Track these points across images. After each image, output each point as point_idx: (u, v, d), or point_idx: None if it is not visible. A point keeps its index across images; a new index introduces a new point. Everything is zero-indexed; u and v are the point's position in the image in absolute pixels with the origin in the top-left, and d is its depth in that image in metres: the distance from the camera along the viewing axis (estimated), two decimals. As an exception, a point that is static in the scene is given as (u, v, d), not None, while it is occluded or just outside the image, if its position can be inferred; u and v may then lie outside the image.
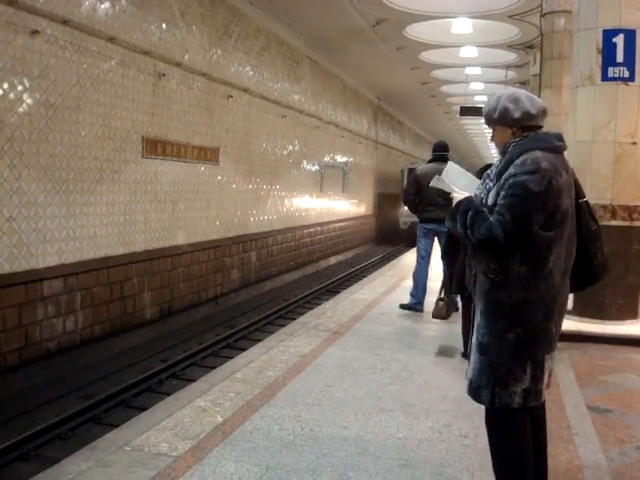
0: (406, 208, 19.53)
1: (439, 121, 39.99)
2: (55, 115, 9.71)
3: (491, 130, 3.29)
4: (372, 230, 32.04)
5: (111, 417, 8.11)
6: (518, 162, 3.00)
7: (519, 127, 3.14)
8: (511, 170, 3.00)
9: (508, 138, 3.17)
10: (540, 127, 3.18)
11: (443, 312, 7.30)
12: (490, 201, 3.03)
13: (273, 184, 18.42)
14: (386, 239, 31.07)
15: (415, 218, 19.06)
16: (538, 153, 3.00)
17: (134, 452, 4.05)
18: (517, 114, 3.12)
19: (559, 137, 3.14)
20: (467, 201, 3.13)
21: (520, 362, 3.04)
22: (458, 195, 3.20)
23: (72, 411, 7.95)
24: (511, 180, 2.96)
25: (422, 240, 8.76)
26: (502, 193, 2.98)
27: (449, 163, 3.53)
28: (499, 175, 3.07)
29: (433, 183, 3.39)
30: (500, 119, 3.18)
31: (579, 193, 3.22)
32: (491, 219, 2.95)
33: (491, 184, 3.09)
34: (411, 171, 18.43)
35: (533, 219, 2.92)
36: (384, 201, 32.65)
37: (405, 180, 22.55)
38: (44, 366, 9.45)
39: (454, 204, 3.18)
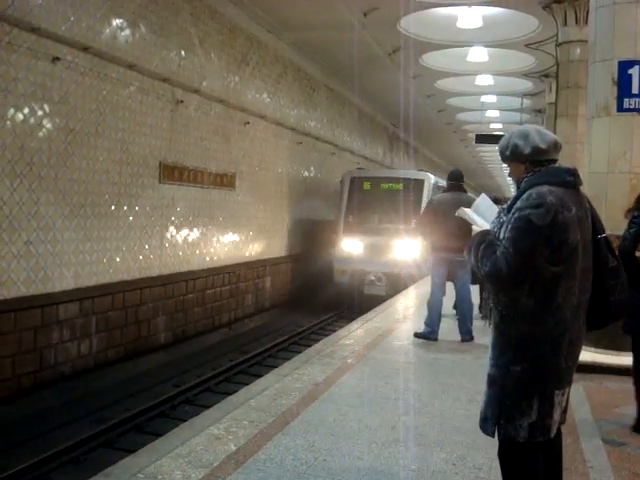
0: (344, 246, 17.61)
1: (455, 148, 40.04)
2: (74, 140, 9.84)
3: (507, 167, 3.32)
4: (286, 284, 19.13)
5: (124, 442, 8.11)
6: (525, 196, 3.02)
7: (531, 162, 3.16)
8: (517, 204, 3.03)
9: (522, 173, 3.19)
10: (554, 161, 3.19)
11: None
12: (502, 235, 3.05)
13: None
14: (309, 299, 18.46)
15: (373, 267, 16.77)
16: (545, 187, 3.01)
17: (147, 479, 4.05)
18: (527, 150, 3.14)
19: (571, 172, 3.14)
20: (482, 234, 3.15)
21: (526, 396, 3.02)
22: (477, 228, 3.22)
23: (85, 435, 7.96)
24: (517, 214, 2.99)
25: (436, 269, 8.73)
26: (508, 227, 3.01)
27: (482, 196, 3.56)
28: (509, 209, 3.10)
29: (458, 213, 3.43)
30: (512, 156, 3.21)
31: (598, 228, 3.22)
32: (497, 252, 2.98)
33: (504, 218, 3.11)
34: (353, 180, 18.41)
35: (536, 252, 2.93)
36: (312, 233, 20.49)
37: (345, 195, 18.34)
38: (58, 389, 9.49)
39: (472, 236, 3.20)
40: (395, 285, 16.47)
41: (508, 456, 3.13)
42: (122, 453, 6.70)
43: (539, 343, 3.00)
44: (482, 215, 3.30)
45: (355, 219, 17.98)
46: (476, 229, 3.21)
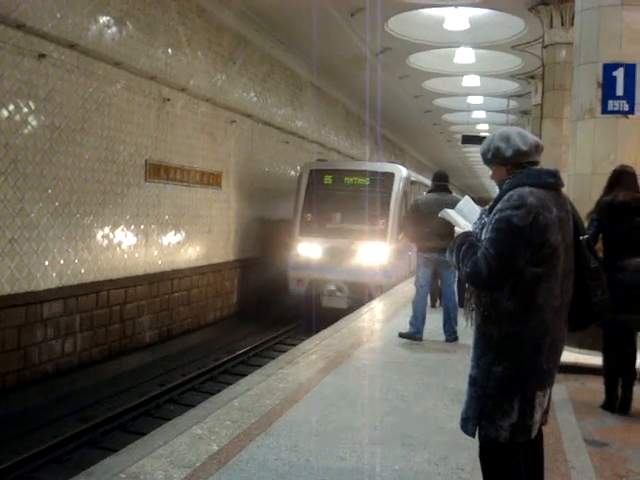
0: (301, 250, 15.00)
1: (441, 149, 40.16)
2: (60, 138, 9.79)
3: (490, 169, 3.34)
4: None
5: (108, 441, 8.10)
6: (505, 197, 3.05)
7: (512, 164, 3.18)
8: (498, 205, 3.05)
9: (503, 175, 3.22)
10: (536, 163, 3.21)
11: None
12: (483, 236, 3.08)
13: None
14: (262, 311, 16.56)
15: (334, 275, 14.72)
16: (526, 189, 3.03)
17: (130, 479, 4.05)
18: (509, 152, 3.16)
19: (552, 173, 3.17)
20: (463, 235, 3.17)
21: (507, 397, 3.04)
22: (459, 229, 3.24)
23: (69, 434, 7.94)
24: (497, 215, 3.02)
25: (421, 269, 8.76)
26: (489, 228, 3.03)
27: (465, 197, 3.58)
28: (490, 210, 3.13)
29: (441, 214, 3.44)
30: (494, 158, 3.23)
31: (579, 230, 3.25)
32: (477, 253, 3.00)
33: (486, 219, 3.14)
34: (312, 173, 15.84)
35: (517, 254, 2.95)
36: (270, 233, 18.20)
37: (302, 191, 15.75)
38: (42, 388, 9.44)
39: (454, 238, 3.22)
40: (359, 296, 14.23)
41: (489, 456, 3.14)
42: (106, 452, 6.68)
43: (520, 344, 3.02)
44: (465, 216, 3.32)
45: (314, 218, 15.47)
46: (458, 230, 3.23)
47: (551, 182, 3.13)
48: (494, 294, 3.04)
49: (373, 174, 15.71)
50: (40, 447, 7.45)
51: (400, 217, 14.57)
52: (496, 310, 3.04)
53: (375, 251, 14.68)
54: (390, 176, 15.62)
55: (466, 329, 8.28)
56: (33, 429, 8.28)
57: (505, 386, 3.04)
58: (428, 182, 20.68)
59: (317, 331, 9.27)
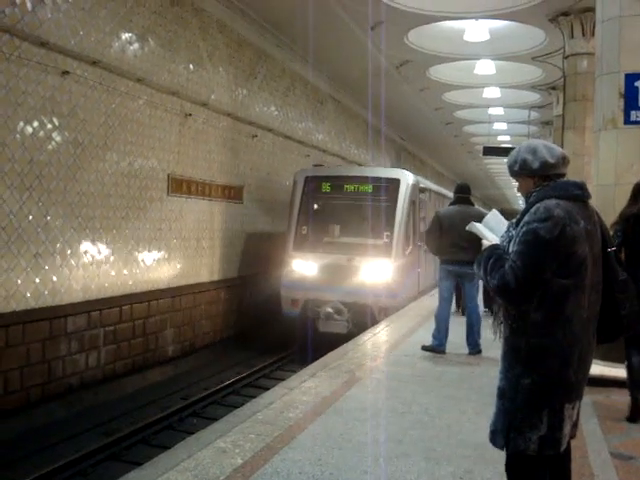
0: (295, 267, 13.26)
1: (462, 160, 40.08)
2: (83, 153, 9.90)
3: (516, 182, 3.35)
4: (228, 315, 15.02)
5: (131, 455, 8.12)
6: (532, 210, 3.05)
7: (539, 176, 3.18)
8: (525, 218, 3.06)
9: (530, 188, 3.21)
10: (562, 175, 3.21)
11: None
12: (511, 249, 3.08)
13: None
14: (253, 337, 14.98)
15: (332, 295, 12.82)
16: (553, 201, 3.03)
17: (154, 493, 4.05)
18: (536, 164, 3.17)
19: (579, 185, 3.16)
20: (491, 248, 3.17)
21: (536, 409, 3.03)
22: (487, 242, 3.24)
23: (93, 447, 7.97)
24: (524, 228, 3.02)
25: (444, 281, 8.72)
26: (516, 240, 3.04)
27: (492, 211, 3.60)
28: (518, 223, 3.13)
29: (468, 227, 3.46)
30: (521, 170, 3.24)
31: (607, 242, 3.23)
32: (505, 266, 3.00)
33: (513, 232, 3.13)
34: (308, 181, 14.14)
35: (544, 266, 2.95)
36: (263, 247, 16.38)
37: (297, 200, 14.10)
38: (66, 402, 9.50)
39: (482, 251, 3.23)
40: (360, 319, 12.68)
41: (515, 470, 3.13)
42: (129, 466, 6.69)
43: (549, 356, 3.02)
44: (492, 229, 3.34)
45: (309, 232, 13.90)
46: (486, 243, 3.24)
47: (578, 194, 3.13)
48: (522, 306, 3.03)
49: (376, 180, 14.02)
50: (64, 460, 7.50)
51: (407, 229, 13.59)
52: (524, 322, 3.04)
53: (378, 268, 13.01)
54: (395, 183, 13.89)
55: (490, 341, 8.22)
56: (57, 442, 8.33)
57: (533, 399, 3.03)
58: (441, 190, 19.97)
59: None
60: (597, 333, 3.19)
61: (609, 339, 3.30)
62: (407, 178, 14.13)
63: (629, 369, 5.97)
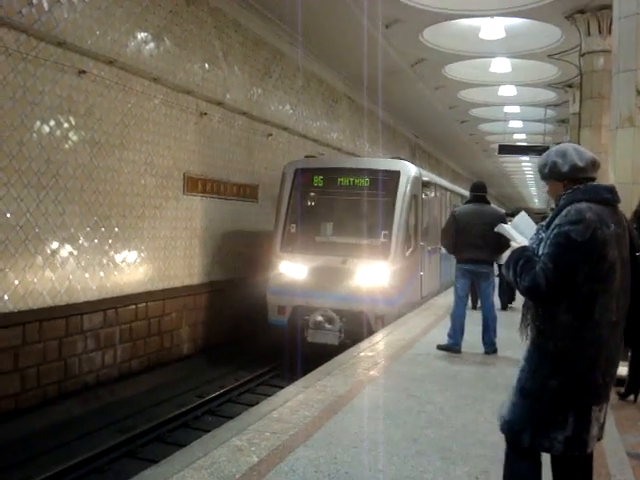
0: (283, 270, 12.01)
1: (477, 159, 39.95)
2: (99, 152, 9.95)
3: (546, 185, 3.37)
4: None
5: (147, 452, 8.16)
6: (563, 213, 3.07)
7: (569, 180, 3.20)
8: (556, 221, 3.07)
9: (560, 191, 3.23)
10: (592, 179, 3.23)
11: None
12: (541, 251, 3.09)
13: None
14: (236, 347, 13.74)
15: (324, 301, 11.53)
16: (584, 204, 3.05)
17: (170, 490, 4.07)
18: (565, 168, 3.19)
19: (609, 189, 3.18)
20: (520, 250, 3.19)
21: (562, 410, 3.05)
22: (515, 244, 3.25)
23: (109, 445, 8.01)
24: (556, 230, 3.03)
25: (460, 280, 8.69)
26: (547, 243, 3.05)
27: (521, 213, 3.60)
28: (548, 226, 3.14)
29: (497, 229, 3.48)
30: (550, 174, 3.26)
31: (635, 246, 3.24)
32: (536, 268, 3.00)
33: (543, 235, 3.14)
34: (299, 174, 12.82)
35: (576, 268, 2.97)
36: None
37: (286, 196, 12.77)
38: (82, 399, 9.55)
39: (510, 253, 3.24)
40: (355, 329, 11.39)
41: (512, 465, 3.24)
42: (145, 463, 6.74)
43: (576, 358, 3.04)
44: (521, 232, 3.36)
45: (299, 230, 12.62)
46: (514, 245, 3.25)
47: (608, 198, 3.14)
48: (551, 308, 3.05)
49: (373, 173, 12.61)
50: (80, 457, 7.54)
51: (408, 227, 12.33)
52: (552, 324, 3.06)
53: (375, 272, 11.70)
54: (394, 175, 12.49)
55: (506, 340, 8.19)
56: (73, 439, 8.38)
57: (560, 400, 3.05)
58: (449, 184, 19.05)
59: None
60: (625, 335, 3.20)
61: (636, 342, 3.32)
62: (408, 170, 12.74)
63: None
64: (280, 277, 12.21)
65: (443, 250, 15.01)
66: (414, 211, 12.78)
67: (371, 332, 10.57)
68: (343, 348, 9.39)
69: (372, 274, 11.68)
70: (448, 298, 11.03)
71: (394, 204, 12.19)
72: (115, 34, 10.21)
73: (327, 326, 11.68)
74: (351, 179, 12.63)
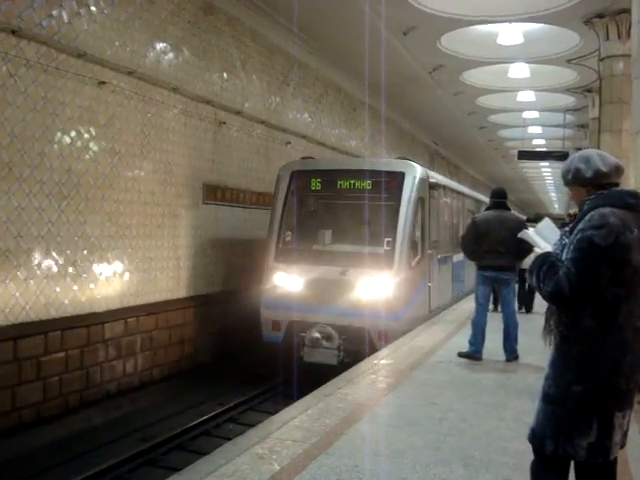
0: (277, 281, 11.01)
1: (497, 165, 39.79)
2: (120, 162, 10.03)
3: (570, 191, 3.39)
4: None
5: (169, 460, 8.17)
6: (587, 218, 3.07)
7: (593, 185, 3.20)
8: (580, 226, 3.07)
9: (584, 196, 3.23)
10: (616, 184, 3.23)
11: None
12: (564, 256, 3.09)
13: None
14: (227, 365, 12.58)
15: (322, 316, 10.58)
16: (607, 209, 3.04)
17: (193, 499, 4.08)
18: (589, 173, 3.19)
19: (633, 195, 3.18)
20: (544, 256, 3.18)
21: (586, 416, 3.04)
22: (539, 250, 3.24)
23: (130, 453, 8.04)
24: (579, 235, 3.03)
25: (480, 287, 8.65)
26: (571, 248, 3.05)
27: (545, 219, 3.60)
28: (571, 231, 3.14)
29: (520, 235, 3.48)
30: (574, 179, 3.27)
31: None
32: (559, 273, 3.00)
33: (566, 240, 3.14)
34: (295, 177, 11.84)
35: (599, 273, 2.96)
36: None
37: (280, 200, 11.79)
38: (104, 408, 9.60)
39: (533, 259, 3.24)
40: (355, 347, 10.45)
41: (537, 470, 3.21)
42: (167, 472, 6.75)
43: (600, 364, 3.03)
44: (544, 238, 3.35)
45: (295, 238, 11.65)
46: (538, 251, 3.24)
47: (632, 203, 3.13)
48: (575, 314, 3.04)
49: (375, 175, 11.48)
50: (102, 466, 7.57)
51: (413, 234, 11.31)
52: (576, 329, 3.06)
53: (377, 283, 10.69)
54: (398, 177, 11.40)
55: (527, 347, 8.12)
56: (95, 448, 8.41)
57: (584, 406, 3.04)
58: (462, 187, 18.51)
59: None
60: None
61: None
62: (414, 171, 11.60)
63: None
64: (274, 290, 11.23)
65: (455, 259, 14.65)
66: (421, 216, 11.78)
67: (374, 350, 9.72)
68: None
69: (374, 286, 10.72)
70: (469, 305, 10.94)
71: (398, 209, 11.15)
72: (134, 45, 10.30)
73: (325, 344, 10.72)
74: (351, 182, 11.56)
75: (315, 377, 8.32)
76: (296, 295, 10.97)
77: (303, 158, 13.02)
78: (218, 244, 12.83)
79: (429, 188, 12.23)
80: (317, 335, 10.71)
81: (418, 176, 11.57)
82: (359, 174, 11.59)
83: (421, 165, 12.37)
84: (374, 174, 11.50)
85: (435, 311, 12.65)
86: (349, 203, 11.70)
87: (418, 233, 11.65)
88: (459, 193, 16.83)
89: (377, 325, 10.55)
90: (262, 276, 11.53)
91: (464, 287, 16.10)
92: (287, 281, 11.16)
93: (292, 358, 10.68)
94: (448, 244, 14.10)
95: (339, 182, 11.62)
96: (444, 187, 14.39)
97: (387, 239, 11.04)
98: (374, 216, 11.31)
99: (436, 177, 13.41)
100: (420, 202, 11.66)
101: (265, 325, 11.32)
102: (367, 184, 11.41)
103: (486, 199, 19.19)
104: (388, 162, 13.13)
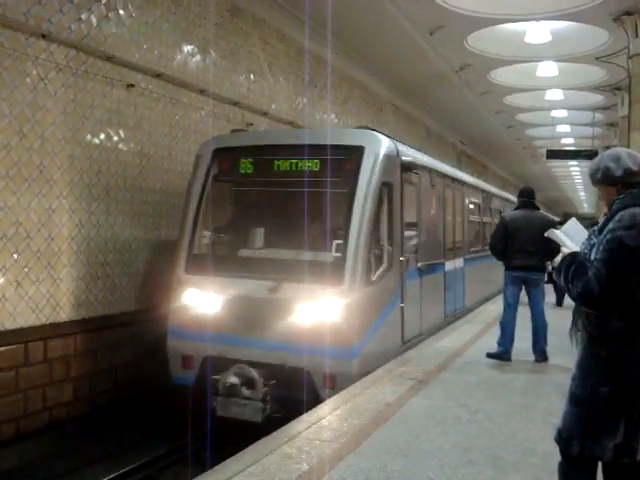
0: (188, 301, 8.07)
1: (525, 164, 39.49)
2: (148, 164, 10.12)
3: (598, 190, 3.36)
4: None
5: (198, 459, 8.19)
6: (617, 218, 3.05)
7: (622, 184, 3.18)
8: (609, 226, 3.05)
9: (613, 196, 3.20)
10: None
11: None
12: (593, 256, 3.06)
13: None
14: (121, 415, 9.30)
15: (246, 350, 7.55)
16: (637, 209, 3.01)
17: (222, 498, 4.09)
18: (619, 172, 3.17)
19: None
20: (572, 256, 3.16)
21: (613, 417, 3.02)
22: (566, 250, 3.22)
23: (160, 452, 8.09)
24: (609, 235, 3.01)
25: (509, 287, 8.60)
26: (600, 248, 3.02)
27: (572, 219, 3.59)
28: (600, 231, 3.11)
29: (547, 234, 3.46)
30: (603, 178, 3.24)
31: None
32: (589, 274, 2.98)
33: (595, 240, 3.12)
34: (218, 156, 8.56)
35: (629, 274, 2.94)
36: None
37: (197, 189, 8.63)
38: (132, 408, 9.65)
39: (561, 259, 3.22)
40: (291, 395, 7.45)
41: (565, 471, 3.21)
42: (196, 470, 6.78)
43: (628, 365, 3.01)
44: (571, 238, 3.33)
45: (215, 240, 8.80)
46: (565, 251, 3.22)
47: None
48: (604, 314, 3.02)
49: (324, 151, 8.09)
50: (132, 465, 7.65)
51: (376, 235, 8.17)
52: (604, 330, 3.04)
53: (322, 304, 7.58)
54: (355, 153, 8.15)
55: (556, 348, 8.06)
56: (124, 447, 8.48)
57: (611, 407, 3.02)
58: (457, 173, 14.28)
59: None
60: None
61: None
62: (377, 145, 8.31)
63: None
64: (185, 312, 8.25)
65: (449, 266, 11.52)
66: (388, 209, 8.40)
67: (318, 400, 6.96)
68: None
69: (317, 308, 7.59)
70: (498, 305, 10.87)
71: (353, 198, 7.91)
72: (162, 48, 10.38)
73: (244, 392, 7.55)
74: (293, 161, 8.39)
75: (240, 433, 6.58)
76: (212, 320, 7.98)
77: (233, 131, 9.99)
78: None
79: (401, 170, 8.75)
80: (234, 380, 7.58)
81: (383, 152, 8.23)
82: (303, 150, 8.20)
83: (391, 138, 8.96)
84: (323, 150, 8.11)
85: (411, 341, 9.23)
86: (289, 191, 8.95)
87: (384, 233, 8.37)
88: (455, 180, 12.96)
89: (321, 365, 7.41)
90: (170, 293, 8.59)
91: (464, 302, 12.93)
92: (201, 300, 8.19)
93: (206, 409, 7.65)
94: (433, 247, 10.68)
95: (276, 162, 8.48)
96: (429, 170, 10.64)
97: (336, 242, 7.84)
98: (320, 209, 8.40)
99: (413, 154, 9.70)
100: (387, 189, 8.37)
101: (173, 361, 8.35)
102: (313, 164, 8.26)
103: (496, 190, 18.69)
104: (342, 132, 10.29)
